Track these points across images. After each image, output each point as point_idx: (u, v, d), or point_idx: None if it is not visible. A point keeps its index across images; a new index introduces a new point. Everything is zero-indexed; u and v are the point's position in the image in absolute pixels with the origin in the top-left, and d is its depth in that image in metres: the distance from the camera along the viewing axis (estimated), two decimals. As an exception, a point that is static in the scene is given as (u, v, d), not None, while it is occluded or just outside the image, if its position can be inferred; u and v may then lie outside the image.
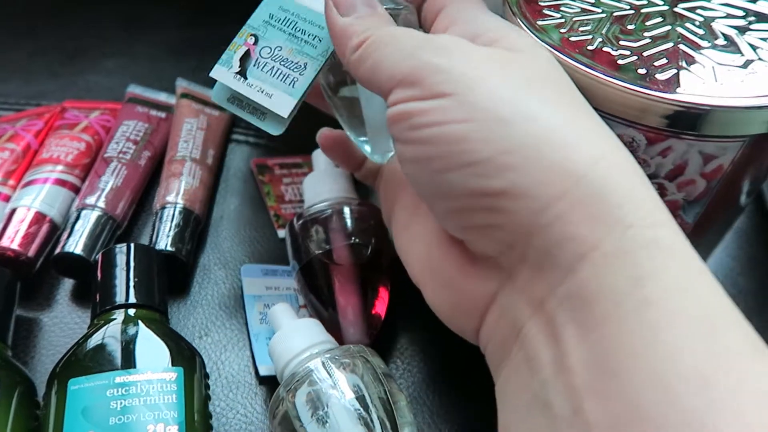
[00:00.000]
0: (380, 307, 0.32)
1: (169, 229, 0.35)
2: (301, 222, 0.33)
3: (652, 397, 0.17)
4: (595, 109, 0.26)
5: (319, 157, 0.37)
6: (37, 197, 0.35)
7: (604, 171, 0.20)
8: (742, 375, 0.17)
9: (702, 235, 0.31)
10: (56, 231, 0.35)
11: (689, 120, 0.25)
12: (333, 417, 0.25)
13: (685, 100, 0.25)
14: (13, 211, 0.35)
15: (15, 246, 0.33)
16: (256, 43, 0.30)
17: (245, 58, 0.30)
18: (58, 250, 0.33)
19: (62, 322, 0.33)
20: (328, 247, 0.32)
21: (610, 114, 0.26)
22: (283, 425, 0.26)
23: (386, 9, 0.26)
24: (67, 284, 0.35)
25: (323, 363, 0.27)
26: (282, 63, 0.29)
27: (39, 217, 0.34)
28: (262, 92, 0.29)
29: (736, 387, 0.17)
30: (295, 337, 0.28)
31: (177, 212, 0.36)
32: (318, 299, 0.32)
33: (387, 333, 0.33)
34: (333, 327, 0.31)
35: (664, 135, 0.26)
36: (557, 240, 0.19)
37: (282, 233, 0.38)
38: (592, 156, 0.20)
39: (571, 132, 0.20)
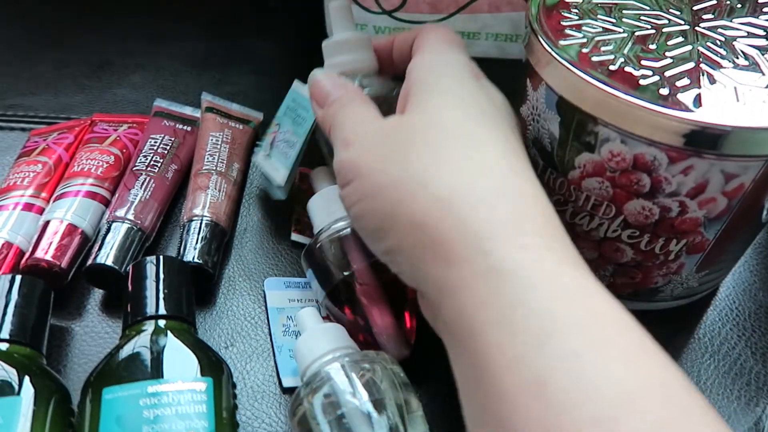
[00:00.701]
0: (412, 319, 0.33)
1: (197, 242, 0.35)
2: (318, 246, 0.33)
3: None
4: (618, 128, 0.27)
5: (318, 175, 0.36)
6: (69, 210, 0.36)
7: (450, 216, 0.23)
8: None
9: (722, 251, 0.32)
10: (87, 242, 0.36)
11: (711, 140, 0.25)
12: (349, 419, 0.26)
13: (706, 121, 0.25)
14: (46, 224, 0.36)
15: (49, 257, 0.34)
16: (278, 129, 0.38)
17: (272, 143, 0.38)
18: (89, 262, 0.34)
19: (93, 331, 0.34)
20: (351, 268, 0.32)
21: (632, 133, 0.27)
22: (301, 424, 0.27)
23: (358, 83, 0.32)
24: (97, 294, 0.36)
25: (343, 366, 0.28)
26: (285, 143, 0.37)
27: (71, 229, 0.36)
28: (273, 168, 0.37)
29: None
30: (319, 341, 0.29)
31: (204, 225, 0.36)
32: (352, 321, 0.32)
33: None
34: (373, 345, 0.31)
35: (686, 154, 0.26)
36: (422, 281, 0.24)
37: (295, 237, 0.38)
38: (439, 205, 0.23)
39: (429, 188, 0.24)
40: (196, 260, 0.35)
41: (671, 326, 0.34)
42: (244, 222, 0.40)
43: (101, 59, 0.52)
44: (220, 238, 0.37)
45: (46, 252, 0.34)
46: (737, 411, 0.31)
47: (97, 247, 0.35)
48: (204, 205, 0.37)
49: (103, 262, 0.34)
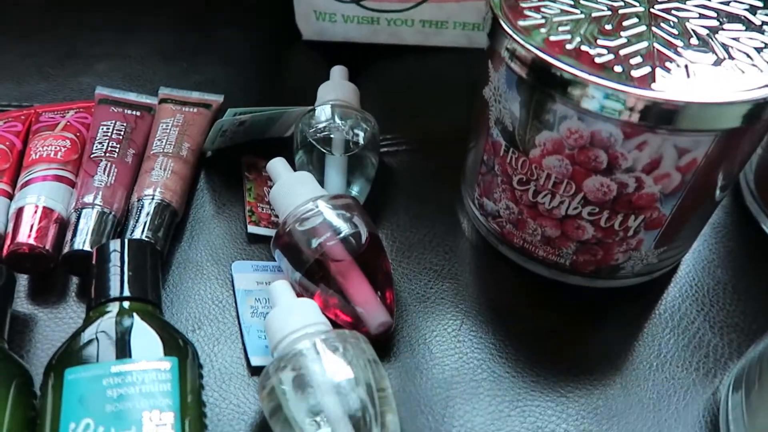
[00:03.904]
0: (391, 292, 0.33)
1: (144, 221, 0.36)
2: (288, 230, 0.33)
3: None
4: (574, 105, 0.27)
5: (276, 165, 0.36)
6: (41, 194, 0.36)
7: None
8: None
9: (679, 227, 0.32)
10: (65, 224, 0.36)
11: (663, 115, 0.26)
12: (318, 395, 0.26)
13: (658, 97, 0.26)
14: (20, 210, 0.35)
15: (31, 241, 0.34)
16: None
17: None
18: (66, 249, 0.34)
19: (57, 317, 0.34)
20: (323, 248, 0.32)
21: (588, 110, 0.27)
22: (270, 398, 0.27)
23: None
24: (61, 280, 0.36)
25: (314, 344, 0.28)
26: None
27: (47, 212, 0.35)
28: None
29: None
30: (291, 316, 0.29)
31: (149, 204, 0.36)
32: (328, 299, 0.33)
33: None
34: (354, 321, 0.32)
35: (640, 130, 0.27)
36: None
37: (252, 228, 0.38)
38: None
39: None
40: (143, 238, 0.35)
41: (634, 303, 0.35)
42: (211, 207, 0.40)
43: (68, 48, 0.51)
44: (170, 216, 0.37)
45: (28, 236, 0.34)
46: (696, 382, 0.32)
47: (71, 235, 0.34)
48: (149, 185, 0.37)
49: (80, 248, 0.34)
